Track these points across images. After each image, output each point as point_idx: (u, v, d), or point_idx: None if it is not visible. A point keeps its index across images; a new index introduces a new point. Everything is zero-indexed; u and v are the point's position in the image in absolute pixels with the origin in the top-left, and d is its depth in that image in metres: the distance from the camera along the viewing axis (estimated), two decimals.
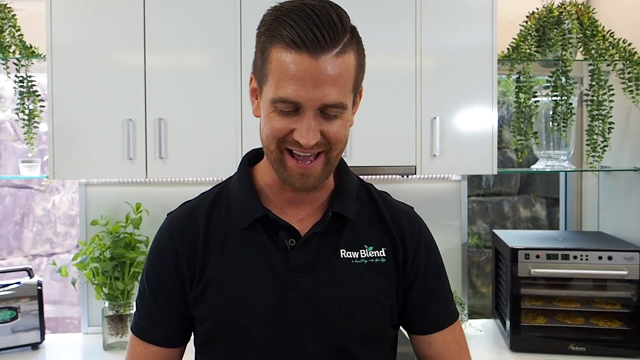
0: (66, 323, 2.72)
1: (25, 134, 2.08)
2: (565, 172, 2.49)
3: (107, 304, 2.15)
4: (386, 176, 2.44)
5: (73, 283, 2.17)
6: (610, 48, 2.18)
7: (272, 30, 0.85)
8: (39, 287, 2.14)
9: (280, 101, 0.85)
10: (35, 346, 2.13)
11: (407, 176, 2.37)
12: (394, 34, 2.06)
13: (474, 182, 2.91)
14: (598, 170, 2.26)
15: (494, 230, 2.41)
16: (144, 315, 1.01)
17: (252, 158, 1.04)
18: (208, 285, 0.95)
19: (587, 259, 2.01)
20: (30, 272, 2.18)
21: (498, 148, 2.13)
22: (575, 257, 2.01)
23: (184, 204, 1.05)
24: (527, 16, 2.26)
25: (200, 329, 0.98)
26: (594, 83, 2.17)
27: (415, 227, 1.04)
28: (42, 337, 2.15)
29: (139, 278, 1.03)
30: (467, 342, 1.08)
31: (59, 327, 2.69)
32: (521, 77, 2.19)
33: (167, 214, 1.05)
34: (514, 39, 2.22)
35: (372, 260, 0.97)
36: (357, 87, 0.92)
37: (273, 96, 0.85)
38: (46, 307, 2.18)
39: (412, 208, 1.09)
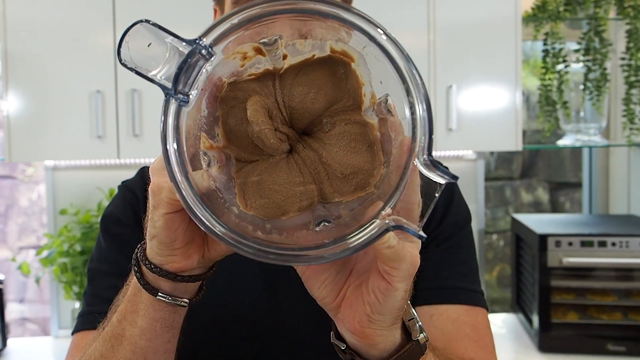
0: (48, 323, 2.43)
1: None
2: (597, 147, 2.21)
3: (77, 305, 1.88)
4: None
5: (37, 281, 1.90)
6: None
7: None
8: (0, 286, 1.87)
9: None
10: None
11: None
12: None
13: None
14: (638, 145, 2.00)
15: (513, 215, 2.15)
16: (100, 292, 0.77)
17: None
18: None
19: (627, 246, 1.75)
20: None
21: None
22: (614, 244, 1.76)
23: (140, 170, 0.88)
24: None
25: None
26: (631, 45, 1.91)
27: None
28: (4, 343, 1.88)
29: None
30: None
31: (45, 328, 2.39)
32: (549, 40, 1.92)
33: (122, 182, 0.87)
34: None
35: None
36: None
37: None
38: (22, 307, 1.91)
39: None
